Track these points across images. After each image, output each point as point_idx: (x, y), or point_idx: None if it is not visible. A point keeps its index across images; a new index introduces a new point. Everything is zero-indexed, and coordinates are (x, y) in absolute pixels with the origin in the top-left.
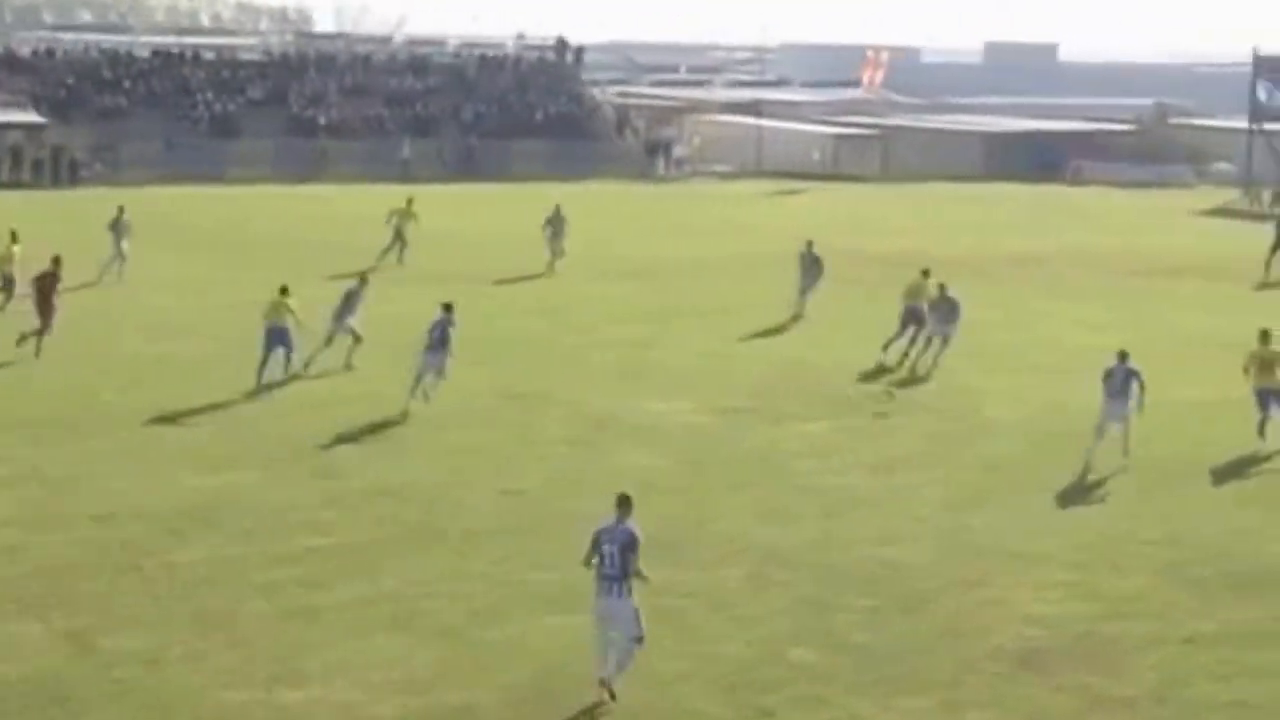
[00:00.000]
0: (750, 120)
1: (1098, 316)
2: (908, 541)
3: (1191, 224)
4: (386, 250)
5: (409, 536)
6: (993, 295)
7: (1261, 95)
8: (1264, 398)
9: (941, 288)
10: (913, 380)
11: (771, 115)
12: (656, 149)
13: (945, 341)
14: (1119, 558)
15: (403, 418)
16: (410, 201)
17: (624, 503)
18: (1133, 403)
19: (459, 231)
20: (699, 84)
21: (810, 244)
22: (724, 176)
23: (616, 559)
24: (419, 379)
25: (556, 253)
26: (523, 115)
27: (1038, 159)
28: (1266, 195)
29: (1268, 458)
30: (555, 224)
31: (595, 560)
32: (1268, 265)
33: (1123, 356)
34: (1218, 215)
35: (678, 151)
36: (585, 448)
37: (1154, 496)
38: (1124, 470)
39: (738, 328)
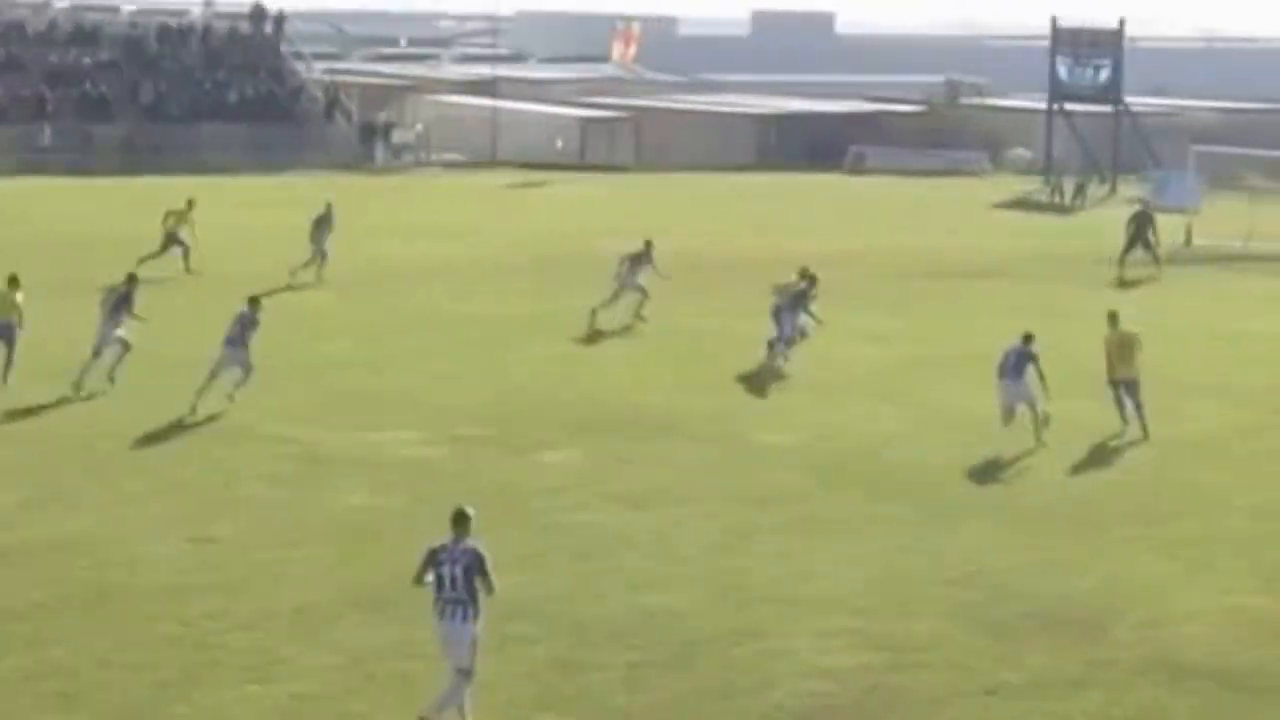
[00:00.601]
0: (485, 102)
1: (881, 326)
2: (671, 587)
3: (987, 218)
4: (152, 257)
5: (81, 598)
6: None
7: (1062, 72)
8: (1119, 387)
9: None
10: (677, 405)
11: (510, 95)
12: (373, 135)
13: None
14: (910, 599)
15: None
16: (190, 204)
17: (461, 520)
18: (1034, 387)
19: (103, 234)
20: (424, 59)
21: (649, 243)
22: (455, 167)
23: (460, 581)
24: (213, 375)
25: (317, 256)
26: (213, 96)
27: (814, 145)
28: (1069, 185)
29: (1076, 474)
30: (323, 224)
31: (430, 581)
32: (1121, 262)
33: (1026, 339)
34: (1016, 208)
35: (399, 138)
36: (292, 488)
37: (948, 528)
38: (910, 496)
39: (472, 343)
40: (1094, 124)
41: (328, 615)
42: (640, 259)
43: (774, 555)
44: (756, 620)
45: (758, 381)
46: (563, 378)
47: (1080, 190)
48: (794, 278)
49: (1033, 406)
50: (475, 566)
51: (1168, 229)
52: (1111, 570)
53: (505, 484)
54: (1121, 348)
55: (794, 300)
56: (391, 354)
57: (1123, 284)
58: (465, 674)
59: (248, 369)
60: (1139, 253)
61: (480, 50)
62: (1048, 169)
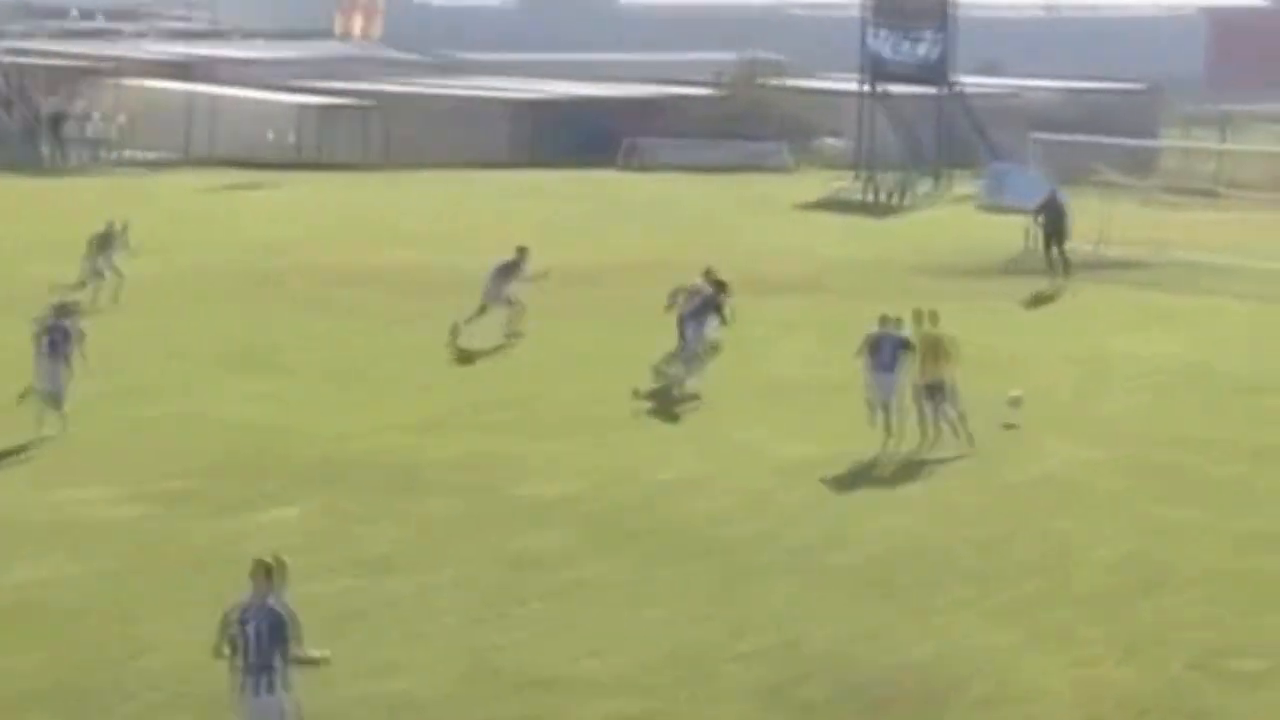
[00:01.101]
0: (188, 87)
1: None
2: (416, 670)
3: (791, 221)
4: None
5: None
6: (546, 334)
7: (879, 46)
8: (929, 392)
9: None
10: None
11: (219, 79)
12: (53, 128)
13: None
14: (704, 679)
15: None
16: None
17: (265, 571)
18: (903, 377)
19: None
20: (110, 35)
21: (522, 251)
22: (154, 166)
23: (263, 644)
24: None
25: (101, 271)
26: None
27: (588, 136)
28: (889, 181)
29: (905, 522)
30: (107, 240)
31: (229, 650)
32: (1052, 263)
33: (896, 322)
34: (826, 209)
35: (83, 131)
36: None
37: (751, 591)
38: (704, 554)
39: (166, 384)
40: (917, 108)
41: None
42: (510, 269)
43: (541, 629)
44: (521, 708)
45: (520, 419)
46: (284, 420)
47: (902, 187)
48: (698, 281)
49: (886, 407)
50: (279, 626)
51: (1002, 232)
52: (945, 638)
53: (220, 548)
54: (935, 348)
55: (701, 308)
56: (77, 395)
57: (1037, 301)
58: None
59: (58, 390)
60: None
61: (179, 24)
62: (863, 162)
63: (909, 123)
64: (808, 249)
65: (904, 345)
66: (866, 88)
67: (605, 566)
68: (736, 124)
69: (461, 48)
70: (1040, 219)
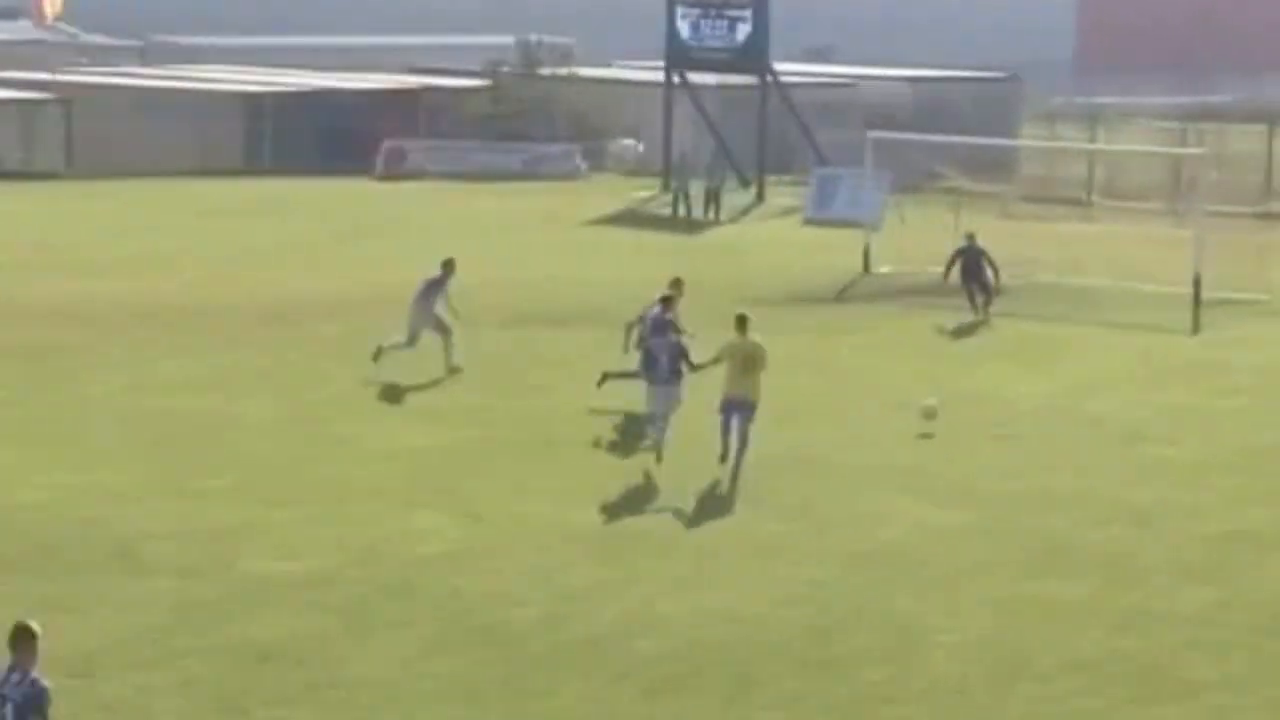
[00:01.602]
0: None
1: (432, 400)
2: None
3: (582, 240)
4: None
5: None
6: (278, 379)
7: (683, 28)
8: (731, 410)
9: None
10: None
11: None
12: None
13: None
14: None
15: None
16: None
17: (22, 639)
18: (684, 391)
19: None
20: None
21: (449, 264)
22: None
23: None
24: None
25: None
26: None
27: (332, 138)
28: (698, 190)
29: (718, 602)
30: None
31: None
32: (973, 302)
33: (675, 329)
34: (623, 224)
35: None
36: None
37: (529, 686)
38: (480, 643)
39: None
40: (733, 103)
41: None
42: (437, 286)
43: None
44: None
45: (247, 481)
46: None
47: (716, 198)
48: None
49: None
50: (31, 706)
51: (833, 251)
52: None
53: None
54: (747, 360)
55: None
56: None
57: (877, 334)
58: None
59: None
60: (976, 292)
61: None
62: (669, 169)
63: (720, 121)
64: (601, 274)
65: (682, 352)
66: (670, 77)
67: (362, 661)
68: (517, 123)
69: (165, 29)
70: (959, 263)
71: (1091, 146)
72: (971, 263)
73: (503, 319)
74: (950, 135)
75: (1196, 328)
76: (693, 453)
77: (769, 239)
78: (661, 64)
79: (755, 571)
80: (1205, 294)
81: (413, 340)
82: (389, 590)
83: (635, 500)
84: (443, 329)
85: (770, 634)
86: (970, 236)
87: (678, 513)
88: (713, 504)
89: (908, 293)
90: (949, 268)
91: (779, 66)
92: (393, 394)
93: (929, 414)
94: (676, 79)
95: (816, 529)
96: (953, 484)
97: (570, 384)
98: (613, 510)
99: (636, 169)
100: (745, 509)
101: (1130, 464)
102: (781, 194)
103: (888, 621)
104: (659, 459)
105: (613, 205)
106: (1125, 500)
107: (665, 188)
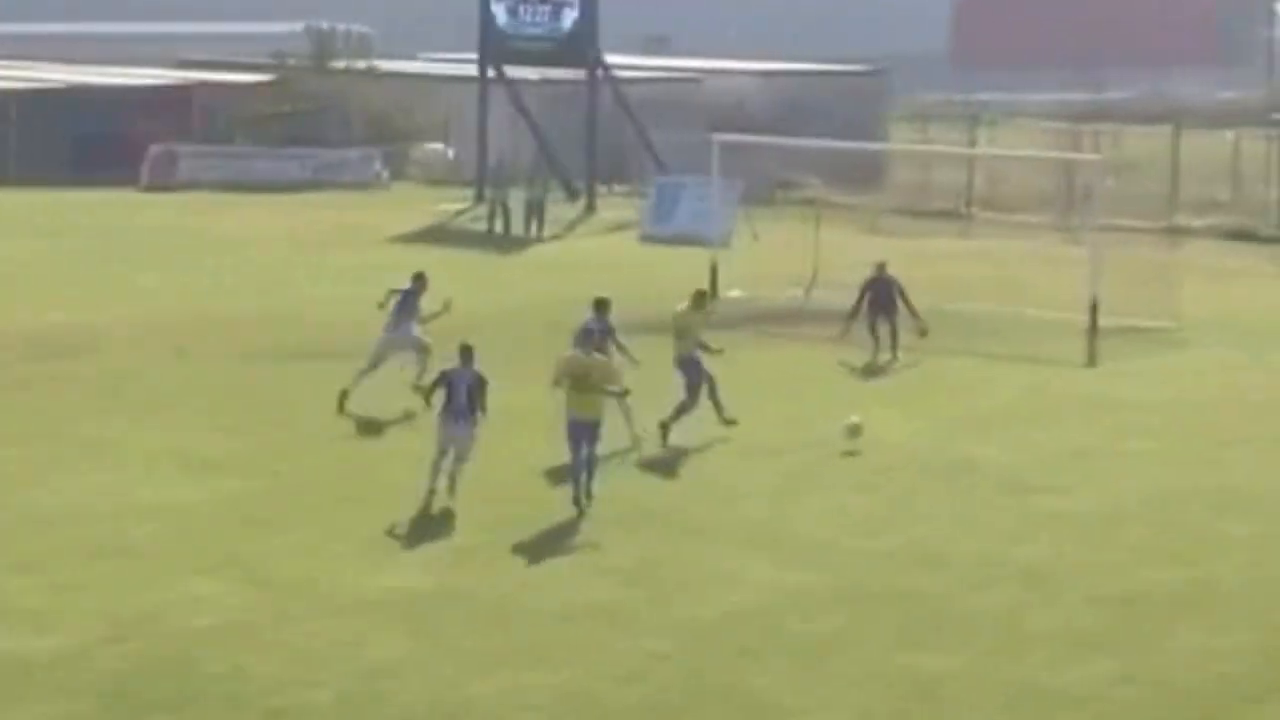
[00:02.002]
0: None
1: (201, 447)
2: None
3: (383, 260)
4: None
5: None
6: (23, 424)
7: (499, 14)
8: (576, 434)
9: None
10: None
11: None
12: None
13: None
14: None
15: None
16: None
17: None
18: (477, 427)
19: None
20: None
21: (419, 277)
22: None
23: None
24: None
25: None
26: None
27: (93, 142)
28: (518, 200)
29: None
30: None
31: None
32: (878, 340)
33: (466, 355)
34: (433, 242)
35: None
36: None
37: None
38: None
39: None
40: (556, 100)
41: None
42: (412, 300)
43: None
44: None
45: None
46: None
47: (535, 210)
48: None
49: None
50: None
51: (674, 272)
52: None
53: None
54: (583, 376)
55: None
56: None
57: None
58: None
59: None
60: (883, 326)
61: None
62: (485, 176)
63: (546, 122)
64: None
65: (480, 382)
66: (485, 71)
67: None
68: (307, 124)
69: None
70: (868, 296)
71: (971, 151)
72: (882, 295)
73: (283, 353)
74: (810, 138)
75: (1092, 360)
76: (518, 501)
77: (600, 258)
78: (475, 56)
79: (586, 643)
80: (1102, 321)
81: (376, 364)
82: (158, 669)
83: (446, 559)
84: (423, 348)
85: (603, 717)
86: (881, 266)
87: (498, 573)
88: (539, 563)
89: (762, 320)
90: (859, 303)
91: (611, 59)
92: (163, 438)
93: (853, 432)
94: (492, 73)
95: (658, 594)
96: (813, 541)
97: (368, 428)
98: (419, 572)
99: (446, 177)
100: (576, 571)
101: (1016, 516)
102: (615, 205)
103: (738, 700)
104: (429, 502)
105: (418, 220)
106: (1011, 558)
107: (479, 199)
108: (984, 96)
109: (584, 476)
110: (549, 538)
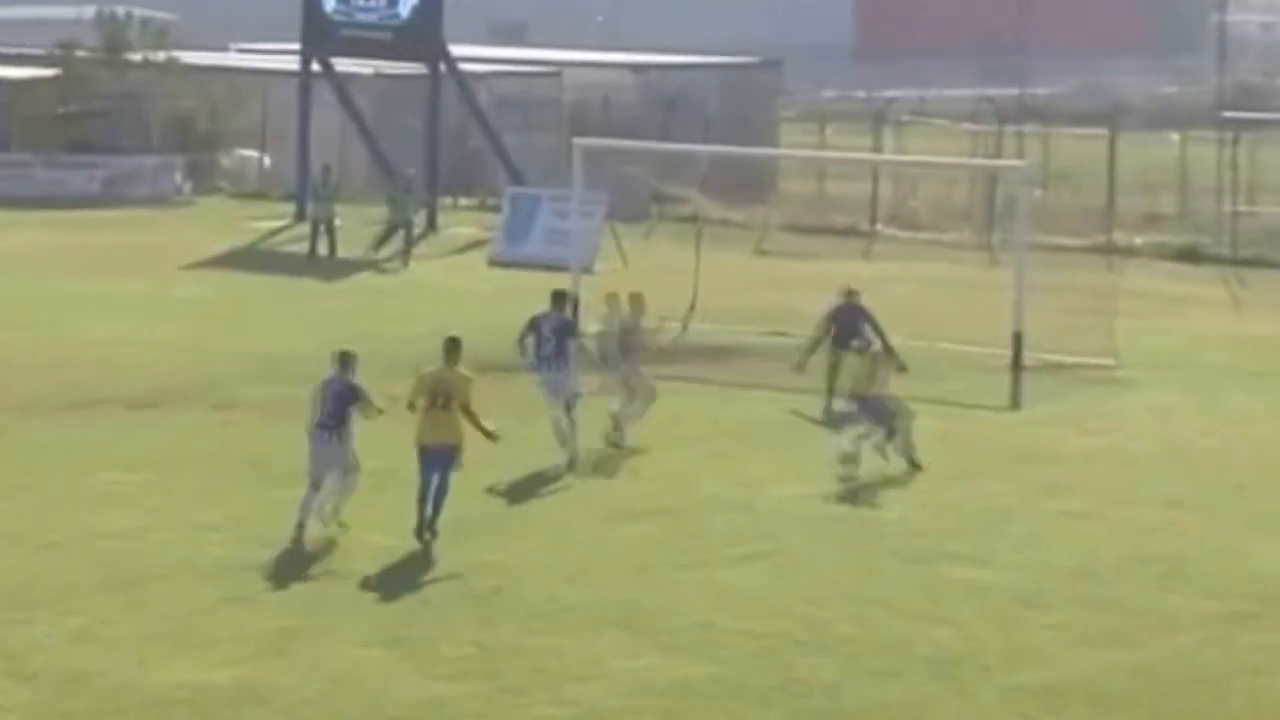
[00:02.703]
0: None
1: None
2: None
3: (177, 291)
4: None
5: None
6: None
7: (328, 3)
8: (428, 462)
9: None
10: None
11: None
12: None
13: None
14: None
15: None
16: None
17: None
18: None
19: None
20: None
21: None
22: None
23: None
24: None
25: None
26: None
27: None
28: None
29: None
30: None
31: None
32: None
33: (344, 361)
34: (243, 267)
35: None
36: None
37: None
38: None
39: None
40: (392, 98)
41: None
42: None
43: None
44: None
45: None
46: None
47: (385, 235)
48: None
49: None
50: None
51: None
52: None
53: None
54: (442, 393)
55: (559, 343)
56: None
57: (681, 414)
58: None
59: None
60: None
61: None
62: (307, 189)
63: (381, 123)
64: (202, 339)
65: (357, 393)
66: (309, 64)
67: None
68: (95, 127)
69: None
70: (832, 331)
71: (876, 158)
72: (847, 327)
73: (53, 404)
74: (688, 142)
75: (1016, 403)
76: (341, 577)
77: (442, 285)
78: (296, 47)
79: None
80: (1028, 357)
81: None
82: None
83: (246, 648)
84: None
85: None
86: (851, 293)
87: (310, 665)
88: (359, 652)
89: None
90: (822, 335)
91: (457, 50)
92: None
93: (847, 460)
94: (317, 67)
95: (498, 689)
96: (683, 623)
97: (154, 490)
98: (215, 664)
99: (261, 190)
100: (403, 662)
101: (925, 591)
102: (461, 221)
103: None
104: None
105: (226, 240)
106: (917, 641)
107: (300, 216)
108: (891, 93)
109: (429, 509)
110: (374, 620)
